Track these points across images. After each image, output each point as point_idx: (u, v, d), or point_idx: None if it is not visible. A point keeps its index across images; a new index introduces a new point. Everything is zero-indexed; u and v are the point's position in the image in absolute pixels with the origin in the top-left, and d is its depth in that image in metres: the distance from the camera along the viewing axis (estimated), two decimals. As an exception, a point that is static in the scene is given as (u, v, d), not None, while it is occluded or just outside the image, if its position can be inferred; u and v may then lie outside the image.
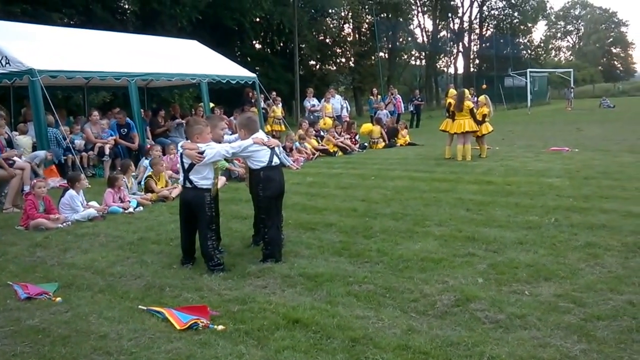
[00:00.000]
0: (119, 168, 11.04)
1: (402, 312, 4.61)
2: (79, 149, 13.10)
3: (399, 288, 5.11)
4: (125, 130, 14.22)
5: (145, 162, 11.82)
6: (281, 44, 38.33)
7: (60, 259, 6.57)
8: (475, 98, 15.23)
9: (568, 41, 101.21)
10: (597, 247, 6.11)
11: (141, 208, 9.37)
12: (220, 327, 4.36)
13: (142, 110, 15.34)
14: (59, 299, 5.12)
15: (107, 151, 13.23)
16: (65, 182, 9.76)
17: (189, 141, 5.96)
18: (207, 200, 5.90)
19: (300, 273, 5.61)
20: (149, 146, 12.99)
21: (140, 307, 4.85)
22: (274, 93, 20.28)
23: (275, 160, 6.10)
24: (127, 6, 26.81)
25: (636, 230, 6.69)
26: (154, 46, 17.16)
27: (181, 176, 6.07)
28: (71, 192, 8.73)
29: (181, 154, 5.92)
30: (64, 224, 8.25)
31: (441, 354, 3.86)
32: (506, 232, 6.90)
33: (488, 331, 4.19)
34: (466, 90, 15.71)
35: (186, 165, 5.87)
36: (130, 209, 9.13)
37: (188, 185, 5.95)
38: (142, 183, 10.74)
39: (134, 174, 10.73)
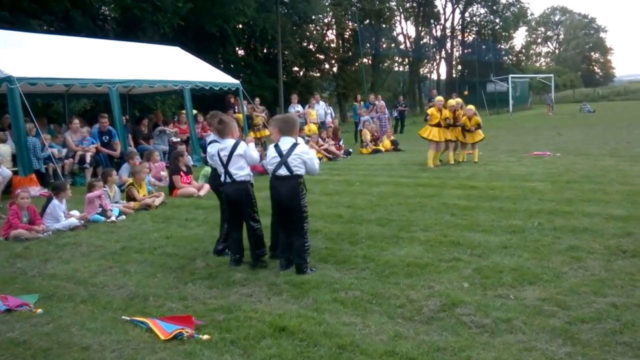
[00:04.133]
0: (100, 176, 10.94)
1: (388, 318, 4.60)
2: (59, 157, 12.96)
3: (385, 294, 5.10)
4: (107, 137, 14.11)
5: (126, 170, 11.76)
6: (264, 51, 38.24)
7: (41, 269, 6.50)
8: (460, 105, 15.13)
9: (548, 47, 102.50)
10: (580, 251, 6.15)
11: (123, 217, 9.29)
12: (206, 337, 4.32)
13: (123, 117, 15.24)
14: (39, 310, 5.05)
15: (88, 159, 13.11)
16: (46, 191, 9.65)
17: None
18: (250, 191, 6.25)
19: (286, 280, 5.59)
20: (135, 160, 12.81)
21: (123, 317, 4.80)
22: (258, 100, 20.22)
23: (280, 172, 5.92)
24: (107, 12, 26.62)
25: (618, 233, 6.74)
26: (136, 53, 17.08)
27: (222, 171, 6.25)
28: (55, 201, 8.64)
29: (218, 152, 6.12)
30: (45, 233, 8.15)
31: (428, 359, 3.86)
32: (490, 236, 6.93)
33: (474, 336, 4.19)
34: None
35: (224, 160, 6.10)
36: (113, 218, 9.05)
37: (228, 179, 6.17)
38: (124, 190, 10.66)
39: (116, 182, 10.62)
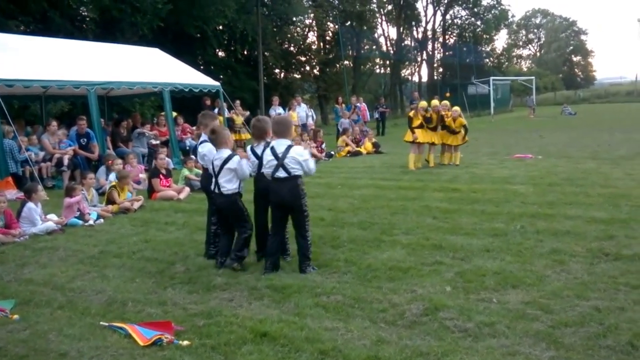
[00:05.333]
0: (80, 179, 10.79)
1: (371, 322, 4.56)
2: (37, 160, 12.76)
3: (368, 298, 5.07)
4: (85, 140, 13.93)
5: (108, 174, 11.58)
6: (245, 52, 38.12)
7: (18, 274, 6.38)
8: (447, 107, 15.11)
9: (529, 49, 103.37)
10: (563, 254, 6.16)
11: (102, 220, 9.16)
12: (186, 343, 4.26)
13: (102, 120, 15.07)
14: (16, 316, 4.96)
15: (65, 162, 12.92)
16: (22, 194, 9.49)
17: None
18: (238, 203, 6.29)
19: (267, 285, 5.53)
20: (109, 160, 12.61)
21: (101, 323, 4.72)
22: (238, 101, 20.13)
23: (279, 174, 5.94)
24: (86, 13, 26.33)
25: (600, 236, 6.78)
26: (114, 54, 16.89)
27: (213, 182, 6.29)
28: (30, 204, 8.50)
29: (223, 164, 6.11)
30: (21, 238, 8.01)
31: (411, 364, 3.83)
32: (473, 239, 6.93)
33: (457, 340, 4.17)
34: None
35: (216, 170, 6.16)
36: (91, 222, 8.92)
37: (217, 190, 6.24)
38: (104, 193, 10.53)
39: (94, 186, 10.47)
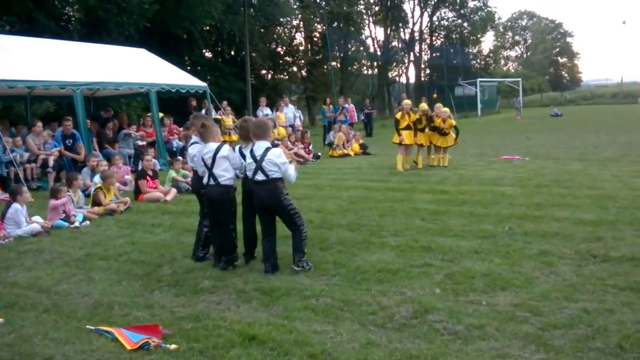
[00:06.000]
0: (64, 180, 10.68)
1: (360, 325, 4.54)
2: (21, 162, 12.62)
3: (357, 301, 5.04)
4: (71, 141, 13.81)
5: (93, 176, 11.47)
6: (232, 53, 37.97)
7: (2, 277, 6.31)
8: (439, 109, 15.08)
9: (516, 51, 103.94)
10: (551, 255, 6.17)
11: (87, 222, 9.07)
12: (173, 347, 4.22)
13: (88, 121, 14.95)
14: (0, 320, 4.88)
15: (51, 163, 12.79)
16: (7, 195, 9.38)
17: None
18: (232, 196, 6.34)
19: (256, 287, 5.50)
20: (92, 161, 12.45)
21: (88, 326, 4.67)
22: (225, 102, 20.06)
23: (257, 177, 5.95)
24: (71, 14, 26.13)
25: (588, 238, 6.80)
26: (100, 54, 16.77)
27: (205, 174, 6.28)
28: (16, 205, 8.40)
29: (202, 155, 6.17)
30: (6, 240, 7.91)
31: (401, 368, 3.81)
32: (461, 241, 6.93)
33: (447, 343, 4.16)
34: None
35: (209, 163, 6.15)
36: (76, 224, 8.83)
37: (212, 182, 6.21)
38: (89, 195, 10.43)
39: (80, 187, 10.37)
